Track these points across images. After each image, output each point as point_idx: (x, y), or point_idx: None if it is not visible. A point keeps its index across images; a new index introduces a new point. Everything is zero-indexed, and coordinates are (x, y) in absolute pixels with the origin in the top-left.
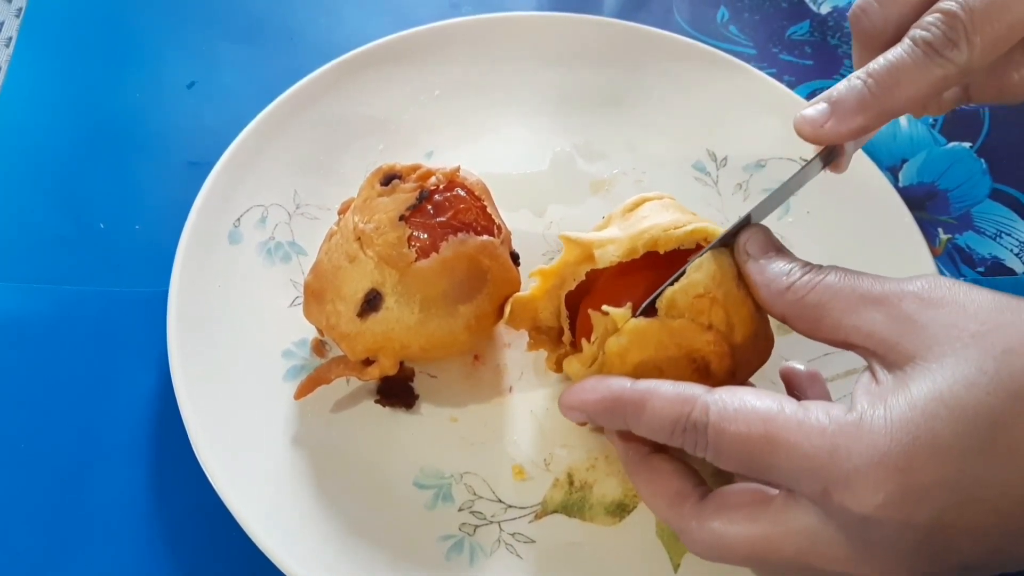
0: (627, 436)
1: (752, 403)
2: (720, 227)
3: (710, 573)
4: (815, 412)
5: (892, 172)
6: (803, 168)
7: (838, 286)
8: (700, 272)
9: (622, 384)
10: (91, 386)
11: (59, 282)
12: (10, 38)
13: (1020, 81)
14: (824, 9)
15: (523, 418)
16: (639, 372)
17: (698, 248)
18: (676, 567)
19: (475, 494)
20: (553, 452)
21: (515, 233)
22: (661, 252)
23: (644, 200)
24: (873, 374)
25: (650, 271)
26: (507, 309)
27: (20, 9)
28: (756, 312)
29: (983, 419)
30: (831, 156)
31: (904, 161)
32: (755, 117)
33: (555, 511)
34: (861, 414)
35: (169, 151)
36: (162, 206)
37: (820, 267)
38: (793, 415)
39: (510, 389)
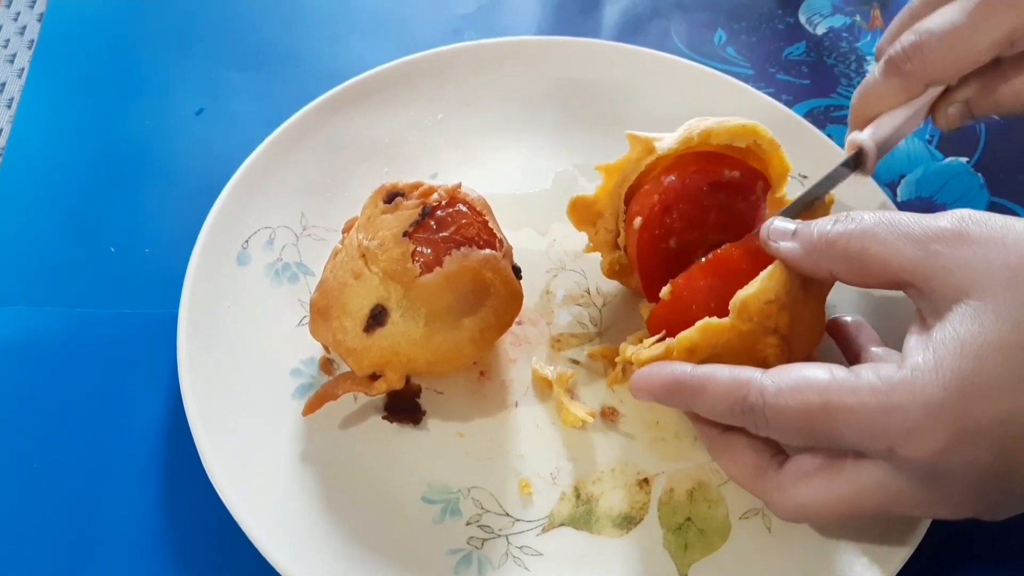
0: (700, 417)
1: (804, 375)
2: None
3: None
4: (866, 375)
5: (891, 188)
6: (833, 171)
7: (877, 229)
8: (772, 280)
9: (683, 369)
10: (103, 405)
11: (72, 305)
12: (22, 69)
13: (1012, 94)
14: (820, 30)
15: (529, 433)
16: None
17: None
18: None
19: (483, 508)
20: (559, 465)
21: (518, 251)
22: (713, 143)
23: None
24: (922, 320)
25: (694, 169)
26: (568, 206)
27: (32, 41)
28: (815, 309)
29: None
30: (858, 161)
31: (902, 176)
32: None
33: (562, 524)
34: (912, 369)
35: (178, 176)
36: (171, 230)
37: (849, 215)
38: (845, 381)
39: (516, 404)
